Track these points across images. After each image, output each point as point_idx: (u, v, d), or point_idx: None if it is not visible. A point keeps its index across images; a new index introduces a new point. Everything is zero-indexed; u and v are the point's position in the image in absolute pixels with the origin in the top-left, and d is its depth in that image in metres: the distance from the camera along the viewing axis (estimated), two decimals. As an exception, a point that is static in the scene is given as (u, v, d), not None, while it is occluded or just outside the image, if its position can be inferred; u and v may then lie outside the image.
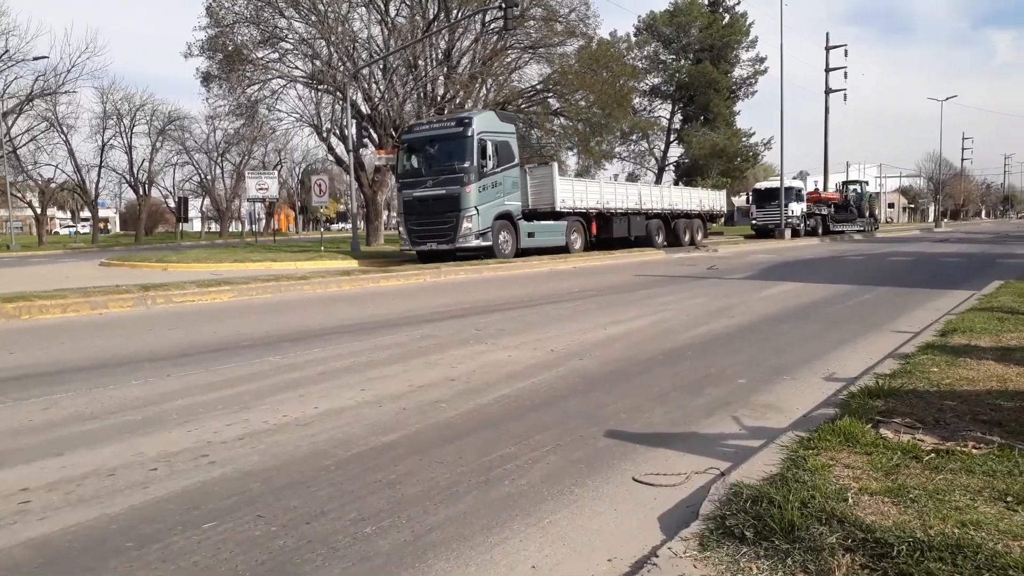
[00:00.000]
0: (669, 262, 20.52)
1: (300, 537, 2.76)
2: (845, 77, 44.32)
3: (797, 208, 38.59)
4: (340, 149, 33.41)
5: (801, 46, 59.76)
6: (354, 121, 25.91)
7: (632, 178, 55.01)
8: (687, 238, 28.78)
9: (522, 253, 20.74)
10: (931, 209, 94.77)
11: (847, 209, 43.53)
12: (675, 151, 57.06)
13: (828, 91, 44.41)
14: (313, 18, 30.05)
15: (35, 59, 39.73)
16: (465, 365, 5.94)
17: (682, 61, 56.30)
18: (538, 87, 36.19)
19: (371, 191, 33.71)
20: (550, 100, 37.10)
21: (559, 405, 4.68)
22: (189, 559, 2.60)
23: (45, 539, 2.79)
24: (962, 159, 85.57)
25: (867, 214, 45.23)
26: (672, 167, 56.49)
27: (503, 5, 22.95)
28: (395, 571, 2.50)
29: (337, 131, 33.43)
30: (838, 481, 2.90)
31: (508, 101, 35.30)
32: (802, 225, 39.09)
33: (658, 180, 55.78)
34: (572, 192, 22.89)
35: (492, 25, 32.37)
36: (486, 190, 19.38)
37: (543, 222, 22.04)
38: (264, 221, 61.47)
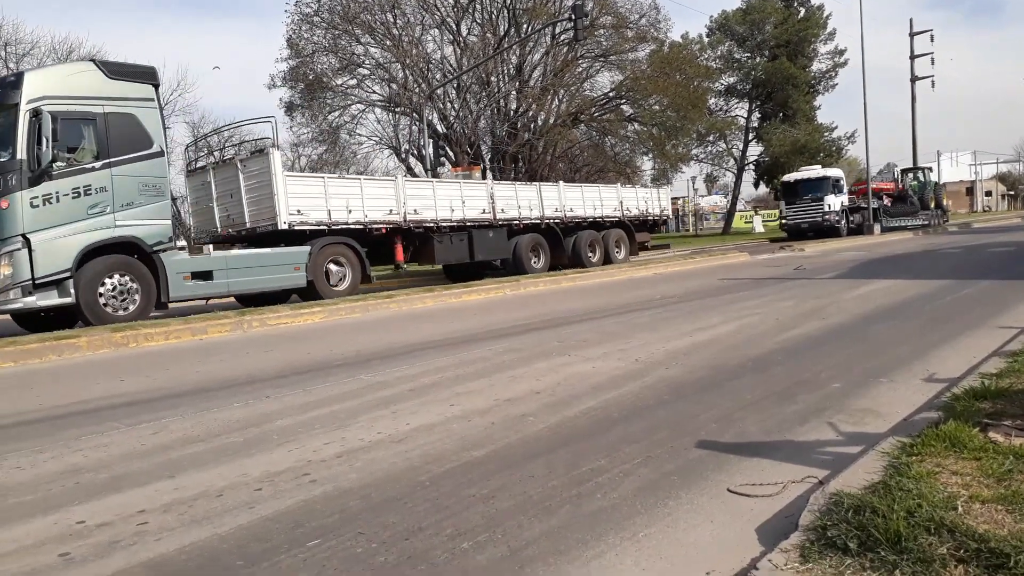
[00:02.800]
0: (754, 264, 20.03)
1: (400, 553, 2.84)
2: (932, 63, 42.33)
3: (836, 202, 32.55)
4: (418, 168, 34.08)
5: (883, 35, 57.79)
6: (431, 140, 26.45)
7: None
8: (596, 255, 21.56)
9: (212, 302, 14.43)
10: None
11: (906, 200, 38.00)
12: (754, 150, 55.75)
13: (914, 79, 42.60)
14: (388, 43, 30.86)
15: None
16: (549, 378, 5.97)
17: (757, 59, 55.03)
18: (610, 94, 36.10)
19: (450, 208, 34.22)
20: (623, 107, 36.93)
21: (647, 416, 4.65)
22: None
23: (163, 559, 2.95)
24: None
25: (932, 205, 39.46)
26: (752, 166, 55.19)
27: (572, 16, 23.03)
28: (493, 586, 2.55)
29: (415, 151, 34.13)
30: (946, 489, 2.79)
31: (581, 110, 35.34)
32: (843, 222, 32.76)
33: (737, 181, 54.62)
34: (323, 195, 15.20)
35: (562, 37, 32.50)
36: (56, 202, 11.06)
37: (252, 251, 14.38)
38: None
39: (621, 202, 23.04)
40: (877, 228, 33.84)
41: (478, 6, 32.63)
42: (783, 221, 34.65)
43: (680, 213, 75.98)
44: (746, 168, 55.41)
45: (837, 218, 32.36)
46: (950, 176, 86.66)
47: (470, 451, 4.10)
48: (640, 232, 24.41)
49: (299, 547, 2.95)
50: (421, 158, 30.58)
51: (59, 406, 6.22)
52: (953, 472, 2.97)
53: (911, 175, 40.40)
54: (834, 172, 34.41)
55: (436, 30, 32.66)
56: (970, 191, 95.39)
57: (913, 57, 42.69)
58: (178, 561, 2.92)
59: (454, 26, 32.76)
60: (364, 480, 3.72)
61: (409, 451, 4.17)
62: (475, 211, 18.33)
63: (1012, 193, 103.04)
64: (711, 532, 2.89)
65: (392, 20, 30.91)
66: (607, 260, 22.01)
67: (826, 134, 53.87)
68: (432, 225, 17.35)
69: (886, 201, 36.95)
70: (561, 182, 22.66)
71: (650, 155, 41.16)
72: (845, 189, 33.87)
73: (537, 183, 21.73)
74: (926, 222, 38.08)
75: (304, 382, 6.51)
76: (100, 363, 8.96)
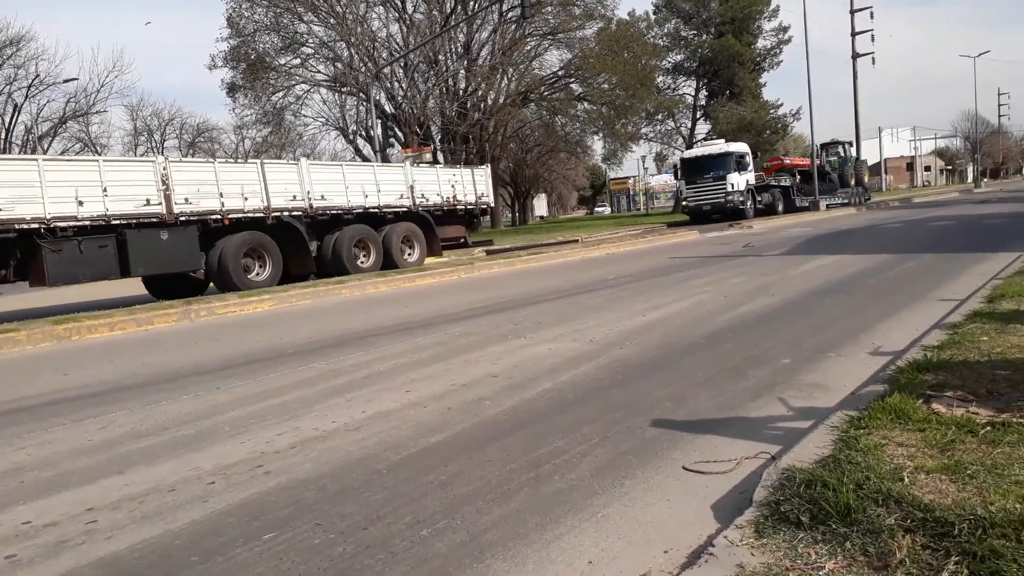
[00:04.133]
0: (703, 242, 20.31)
1: (358, 543, 2.81)
2: (872, 40, 43.55)
3: (740, 181, 29.77)
4: (367, 150, 33.70)
5: (825, 11, 58.73)
6: (379, 121, 26.10)
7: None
8: (371, 258, 16.72)
9: None
10: (970, 169, 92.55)
11: (825, 178, 35.72)
12: (702, 128, 56.46)
13: (855, 56, 43.58)
14: (332, 21, 30.31)
15: (65, 81, 40.69)
16: (505, 361, 5.97)
17: (704, 36, 55.64)
18: (559, 73, 36.14)
19: (400, 189, 33.91)
20: (572, 85, 36.99)
21: (603, 396, 4.69)
22: (253, 570, 2.66)
23: (114, 557, 2.88)
24: (999, 116, 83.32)
25: (852, 182, 37.71)
26: (700, 144, 55.91)
27: (519, -7, 22.88)
28: (454, 573, 2.54)
29: (363, 132, 33.74)
30: (892, 460, 2.87)
31: (530, 89, 35.26)
32: (749, 203, 30.19)
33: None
34: None
35: (510, 14, 32.38)
36: None
37: None
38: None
39: (412, 187, 17.85)
40: (779, 207, 32.09)
41: (424, -17, 32.23)
42: (684, 204, 32.04)
43: (631, 192, 76.70)
44: (695, 146, 56.07)
45: (742, 198, 29.92)
46: (891, 152, 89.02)
47: (427, 437, 4.08)
48: (447, 225, 19.15)
49: (255, 540, 2.91)
50: (370, 139, 30.20)
51: (-2, 403, 6.01)
52: (899, 444, 3.06)
53: (828, 151, 38.48)
54: (738, 147, 31.84)
55: (381, 7, 32.24)
56: (910, 166, 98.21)
57: (854, 34, 43.62)
58: (130, 559, 2.85)
59: (399, 3, 32.33)
60: (320, 470, 3.67)
61: (365, 439, 4.13)
62: (130, 204, 12.69)
63: (950, 168, 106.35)
64: (668, 510, 2.92)
65: (336, -2, 30.33)
66: (389, 263, 16.96)
67: (772, 111, 54.87)
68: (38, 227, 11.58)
69: (798, 178, 34.95)
70: (304, 160, 18.25)
71: (600, 134, 41.36)
72: (751, 166, 31.57)
73: (258, 160, 16.09)
74: (846, 200, 36.28)
75: (255, 372, 6.40)
76: (42, 357, 8.67)
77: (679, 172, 32.38)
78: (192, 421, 4.84)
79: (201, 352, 7.98)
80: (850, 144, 38.89)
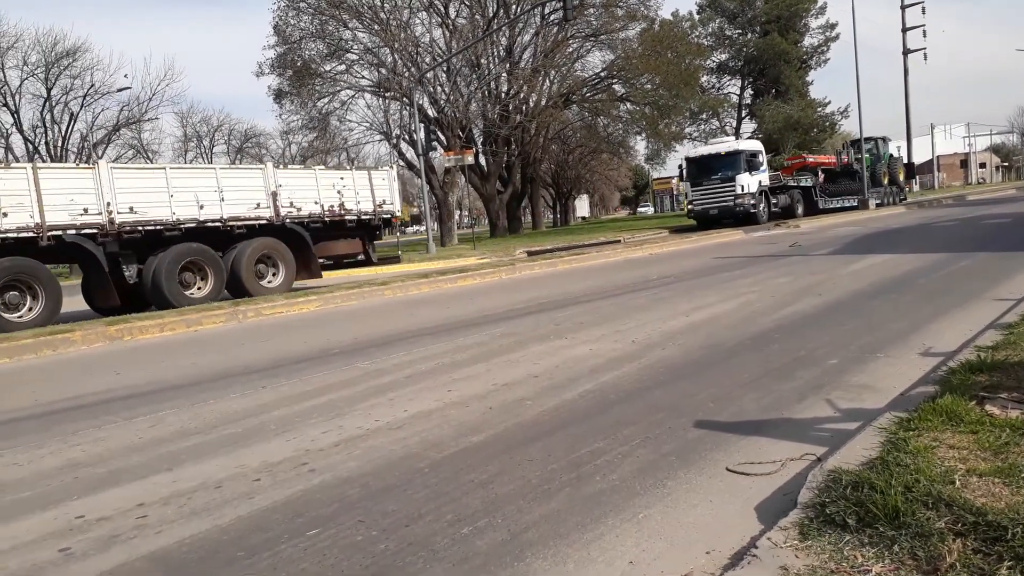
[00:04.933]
0: (748, 241, 20.03)
1: (400, 540, 2.84)
2: (924, 36, 42.47)
3: (751, 182, 27.17)
4: (410, 154, 34.05)
5: (874, 7, 57.45)
6: (422, 125, 26.29)
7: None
8: (207, 286, 13.49)
9: None
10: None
11: (852, 176, 33.08)
12: (748, 127, 55.69)
13: (906, 51, 42.59)
14: (376, 27, 30.65)
15: (119, 91, 41.83)
16: (546, 361, 5.97)
17: (749, 35, 54.91)
18: (602, 74, 35.99)
19: (442, 192, 34.18)
20: (615, 87, 36.80)
21: (644, 397, 4.65)
22: (297, 566, 2.70)
23: (163, 552, 2.95)
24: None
25: (885, 181, 34.33)
26: (842, 144, 55.11)
27: (561, -4, 22.86)
28: (495, 571, 2.55)
29: (406, 136, 34.01)
30: (943, 463, 2.80)
31: (572, 91, 35.19)
32: (763, 206, 27.74)
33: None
34: None
35: (552, 17, 32.36)
36: None
37: None
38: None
39: (274, 194, 14.57)
40: (800, 210, 29.73)
41: (466, -13, 32.42)
42: (690, 207, 29.12)
43: (674, 192, 75.98)
44: (843, 146, 55.25)
45: (753, 201, 27.19)
46: (944, 149, 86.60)
47: (468, 436, 4.10)
48: (333, 240, 16.19)
49: (300, 537, 2.95)
50: (413, 143, 30.46)
51: (55, 401, 6.21)
52: (950, 446, 2.98)
53: (863, 147, 34.81)
54: (749, 145, 29.27)
55: (424, 13, 32.47)
56: (964, 163, 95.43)
57: (905, 30, 42.64)
58: (179, 554, 2.92)
59: (442, 8, 32.57)
60: (363, 468, 3.72)
61: (407, 438, 4.16)
62: None
63: (1006, 164, 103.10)
64: (710, 511, 2.89)
65: (379, 4, 30.70)
66: (239, 290, 13.76)
67: (819, 109, 53.85)
68: None
69: (821, 178, 32.24)
70: (104, 161, 15.15)
71: (643, 135, 41.07)
72: (764, 165, 28.83)
73: (28, 164, 12.28)
74: (880, 200, 33.38)
75: (300, 371, 6.50)
76: (95, 357, 8.94)
77: (684, 173, 29.66)
78: (239, 419, 4.94)
79: (248, 352, 8.14)
80: (884, 140, 36.27)
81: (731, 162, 27.26)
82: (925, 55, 42.60)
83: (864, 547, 2.29)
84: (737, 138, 31.86)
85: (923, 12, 42.69)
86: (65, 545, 3.07)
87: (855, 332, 6.11)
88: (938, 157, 78.94)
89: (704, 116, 52.52)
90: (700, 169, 28.33)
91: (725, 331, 6.69)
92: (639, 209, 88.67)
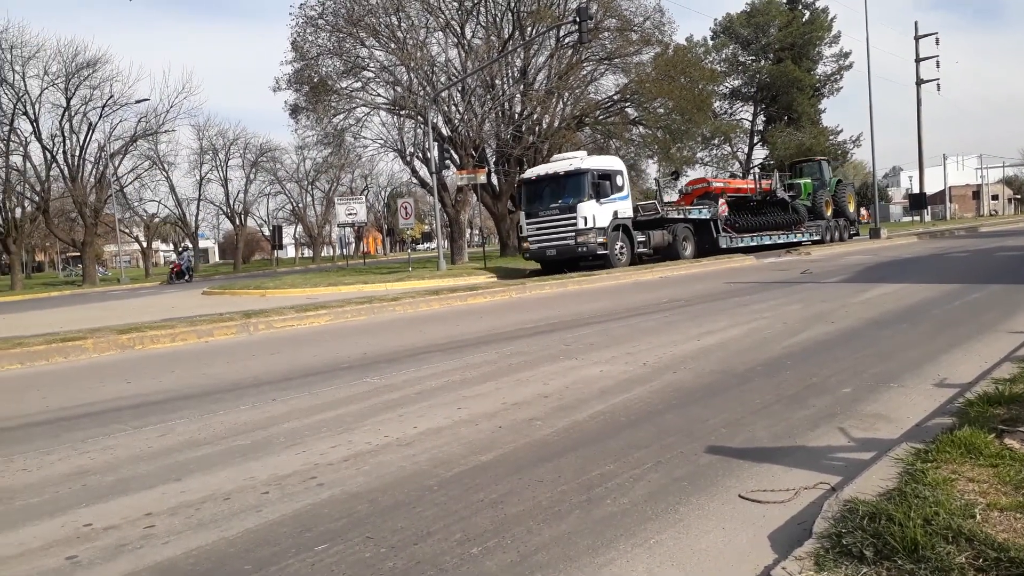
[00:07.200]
0: (760, 267, 19.96)
1: (409, 558, 2.81)
2: (937, 66, 42.49)
3: (599, 213, 20.30)
4: (423, 172, 34.17)
5: (887, 38, 57.77)
6: (436, 144, 26.39)
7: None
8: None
9: None
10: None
11: (784, 207, 27.22)
12: (759, 153, 55.79)
13: (919, 82, 42.67)
14: (392, 46, 30.87)
15: (137, 102, 42.39)
16: (557, 381, 5.94)
17: (762, 62, 55.19)
18: (615, 97, 36.09)
19: (454, 211, 34.25)
20: (628, 110, 36.92)
21: (656, 421, 4.62)
22: (305, 581, 2.68)
23: (170, 562, 2.93)
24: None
25: (828, 212, 29.10)
26: (757, 169, 55.25)
27: (577, 19, 23.02)
28: (504, 592, 2.52)
29: (420, 154, 34.14)
30: (963, 496, 2.75)
31: (585, 113, 35.34)
32: (621, 245, 20.89)
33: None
34: None
35: (567, 40, 32.54)
36: None
37: None
38: (354, 245, 63.33)
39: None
40: (688, 250, 22.73)
41: (482, 9, 32.66)
42: (526, 246, 21.72)
43: (685, 216, 75.81)
44: (751, 171, 55.44)
45: (601, 240, 20.17)
46: (956, 180, 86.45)
47: (478, 455, 4.07)
48: None
49: (307, 551, 2.93)
50: (426, 161, 30.58)
51: (65, 408, 6.21)
52: (970, 479, 2.93)
53: (794, 172, 30.53)
54: (599, 163, 21.88)
55: (440, 33, 32.69)
56: (976, 195, 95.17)
57: (918, 60, 42.74)
58: (185, 565, 2.90)
59: (458, 29, 32.77)
60: (372, 484, 3.69)
61: (417, 455, 4.14)
62: None
63: (1019, 197, 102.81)
64: (723, 538, 2.85)
65: (397, 23, 30.94)
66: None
67: (831, 137, 53.91)
68: None
69: (723, 209, 24.44)
70: None
71: (655, 158, 41.13)
72: (625, 191, 21.71)
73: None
74: (818, 236, 27.50)
75: (310, 385, 6.49)
76: (106, 365, 8.95)
77: (519, 199, 23.05)
78: (248, 431, 4.93)
79: (259, 364, 8.14)
80: (832, 163, 31.41)
81: (573, 186, 20.56)
82: (938, 86, 42.73)
83: (882, 580, 2.25)
84: (590, 154, 24.57)
85: (937, 43, 42.86)
86: (72, 553, 3.06)
87: (868, 361, 6.06)
88: (950, 188, 78.77)
89: (716, 141, 52.69)
90: (534, 195, 21.65)
91: (736, 356, 6.65)
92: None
